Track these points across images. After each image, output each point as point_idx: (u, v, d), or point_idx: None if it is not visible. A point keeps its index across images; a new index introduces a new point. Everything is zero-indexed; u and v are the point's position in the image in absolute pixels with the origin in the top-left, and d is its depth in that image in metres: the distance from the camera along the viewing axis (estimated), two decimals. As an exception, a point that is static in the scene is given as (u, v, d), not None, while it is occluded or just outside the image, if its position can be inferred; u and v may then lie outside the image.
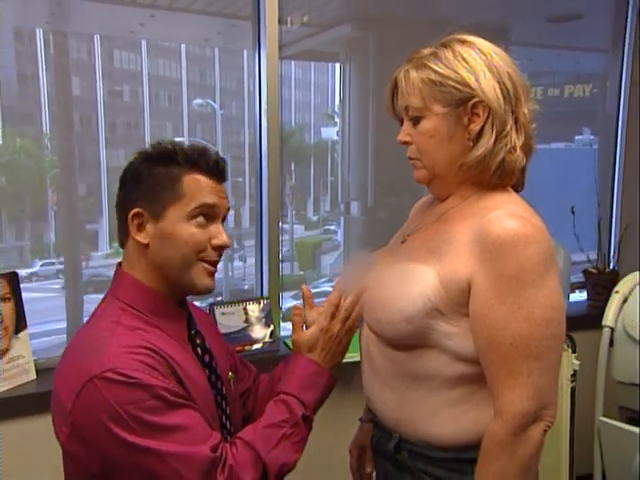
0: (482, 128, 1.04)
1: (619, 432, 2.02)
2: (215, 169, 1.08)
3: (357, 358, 1.22)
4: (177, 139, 1.15)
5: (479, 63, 1.04)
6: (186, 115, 2.14)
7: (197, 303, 1.35)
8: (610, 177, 2.73)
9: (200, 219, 1.06)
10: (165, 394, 0.96)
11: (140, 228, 1.06)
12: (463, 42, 1.07)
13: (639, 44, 2.60)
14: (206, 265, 1.08)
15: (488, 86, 1.03)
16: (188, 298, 1.18)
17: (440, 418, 1.06)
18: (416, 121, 1.08)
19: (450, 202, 1.13)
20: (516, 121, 1.06)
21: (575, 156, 2.89)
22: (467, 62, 1.04)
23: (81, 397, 0.95)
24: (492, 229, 0.98)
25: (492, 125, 1.04)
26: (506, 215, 1.00)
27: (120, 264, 1.12)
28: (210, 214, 1.07)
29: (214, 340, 1.22)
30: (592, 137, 2.85)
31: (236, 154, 2.29)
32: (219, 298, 2.15)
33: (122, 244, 1.12)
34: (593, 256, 2.61)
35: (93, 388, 0.94)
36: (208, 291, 1.10)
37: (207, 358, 1.14)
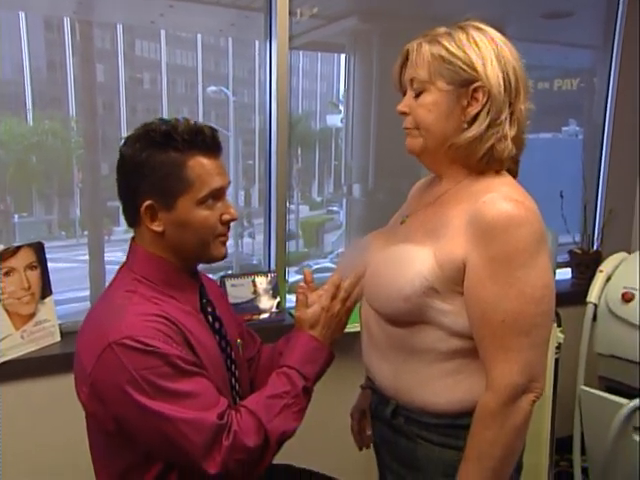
0: (478, 113, 1.00)
1: (598, 400, 2.01)
2: (212, 145, 1.04)
3: (358, 328, 1.20)
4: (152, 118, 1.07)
5: (489, 50, 1.00)
6: (201, 101, 2.09)
7: (210, 275, 1.33)
8: (596, 165, 2.69)
9: (209, 202, 1.04)
10: (178, 362, 0.95)
11: (153, 218, 1.04)
12: (478, 29, 1.02)
13: (628, 41, 2.53)
14: (221, 238, 1.08)
15: (493, 73, 0.99)
16: (201, 268, 1.16)
17: (435, 387, 1.04)
18: (418, 94, 1.04)
19: (445, 185, 1.09)
20: (511, 113, 1.02)
21: (562, 145, 2.85)
22: (478, 47, 0.99)
23: (100, 361, 0.94)
24: (486, 211, 0.94)
25: (488, 111, 1.00)
26: (500, 198, 0.96)
27: (134, 238, 1.10)
28: (218, 195, 1.05)
29: (224, 309, 1.20)
30: (577, 128, 2.80)
31: (247, 139, 2.25)
32: (229, 271, 2.12)
33: (131, 224, 1.09)
34: (578, 238, 2.59)
35: (112, 353, 0.93)
36: (223, 258, 1.10)
37: (217, 325, 1.13)
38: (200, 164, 1.02)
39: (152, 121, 1.05)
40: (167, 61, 1.98)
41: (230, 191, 2.57)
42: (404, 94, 1.08)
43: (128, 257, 1.10)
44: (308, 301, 1.16)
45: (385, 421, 1.13)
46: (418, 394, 1.06)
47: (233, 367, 1.15)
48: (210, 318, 1.12)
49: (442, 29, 1.04)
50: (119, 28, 1.87)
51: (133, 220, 1.07)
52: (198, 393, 0.96)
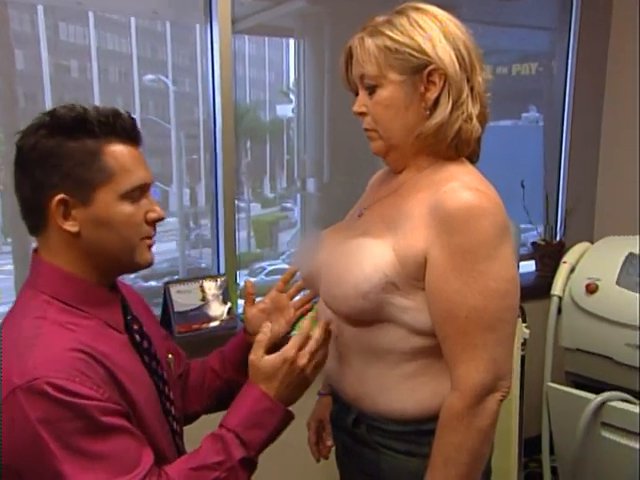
0: (438, 97, 1.01)
1: (565, 396, 2.07)
2: (133, 133, 0.96)
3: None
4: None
5: (435, 30, 1.00)
6: (137, 91, 2.03)
7: (153, 283, 1.27)
8: (557, 153, 2.76)
9: (134, 196, 0.96)
10: (95, 414, 0.84)
11: (66, 216, 0.92)
12: (418, 9, 1.02)
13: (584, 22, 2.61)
14: (147, 241, 0.99)
15: (444, 53, 0.99)
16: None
17: (398, 392, 1.04)
18: (372, 90, 1.03)
19: (405, 174, 1.09)
20: (472, 89, 1.03)
21: (522, 133, 2.92)
22: (422, 29, 1.00)
23: (3, 410, 0.82)
24: (447, 202, 0.95)
25: (448, 93, 1.00)
26: (461, 187, 0.97)
27: (36, 251, 0.98)
28: (143, 190, 0.98)
29: (150, 322, 1.12)
30: (538, 114, 2.87)
31: (190, 132, 2.20)
32: (175, 277, 2.08)
33: (34, 231, 0.97)
34: (541, 229, 2.65)
35: (14, 401, 0.81)
36: (149, 265, 1.01)
37: (146, 344, 1.04)
38: (120, 153, 0.94)
39: (54, 108, 0.93)
40: (97, 47, 1.91)
41: (174, 189, 2.48)
42: (356, 93, 1.08)
43: (31, 273, 0.97)
44: (246, 316, 1.11)
45: (347, 430, 1.12)
46: (381, 400, 1.05)
47: (166, 389, 1.07)
48: (137, 337, 1.02)
49: (381, 18, 1.04)
50: (39, 9, 1.79)
51: (37, 224, 0.95)
52: (114, 455, 0.84)
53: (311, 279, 1.17)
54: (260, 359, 0.99)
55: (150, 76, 2.08)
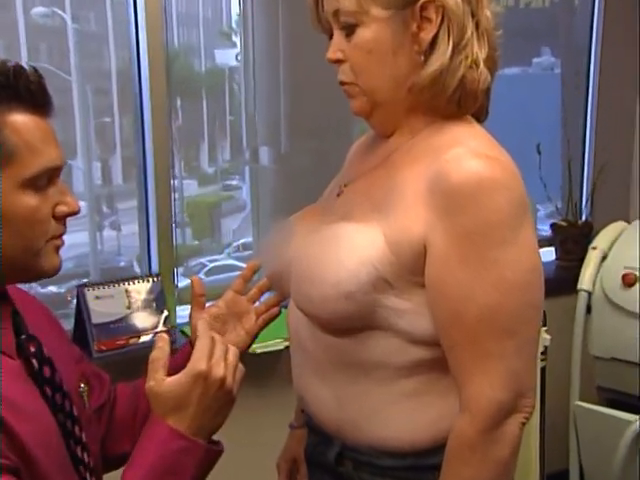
0: (435, 37, 1.02)
1: (599, 418, 2.12)
2: (42, 98, 0.95)
3: (282, 345, 1.21)
4: None
5: None
6: (23, 29, 1.99)
7: (53, 288, 1.25)
8: (581, 108, 2.79)
9: (41, 184, 0.95)
10: None
11: None
12: None
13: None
14: (55, 242, 0.99)
15: None
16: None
17: (392, 416, 1.07)
18: (350, 31, 1.05)
19: (396, 139, 1.11)
20: (477, 27, 1.04)
21: (533, 83, 2.95)
22: None
23: None
24: (451, 173, 0.97)
25: (448, 32, 1.02)
26: (468, 154, 0.99)
27: None
28: (53, 176, 0.97)
29: (54, 340, 1.10)
30: (553, 59, 2.92)
31: (100, 86, 2.19)
32: (85, 280, 2.06)
33: None
34: (562, 206, 2.69)
35: None
36: (56, 272, 1.01)
37: (47, 371, 1.03)
38: (26, 125, 0.93)
39: None
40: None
41: (79, 163, 2.45)
42: (329, 35, 1.09)
43: None
44: (197, 328, 1.06)
45: (327, 468, 1.14)
46: (371, 427, 1.08)
47: (76, 429, 1.06)
48: (35, 362, 1.00)
49: None
50: None
51: None
52: None
53: (279, 277, 1.18)
54: (161, 384, 0.94)
55: (41, 9, 2.05)
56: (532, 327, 1.03)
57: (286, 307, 1.21)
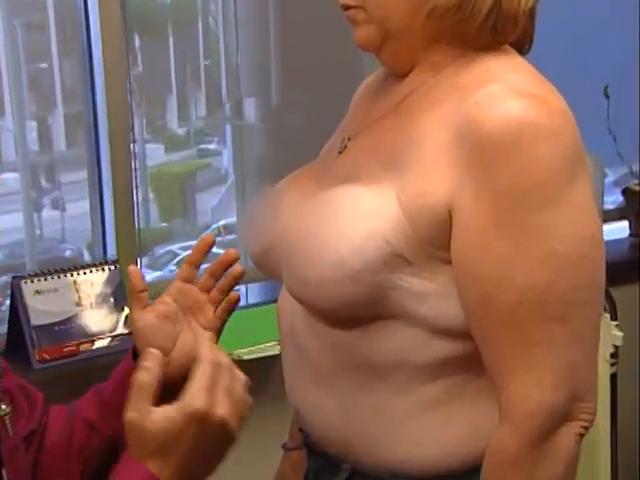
0: None
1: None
2: None
3: (275, 350, 1.22)
4: None
5: None
6: None
7: None
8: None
9: None
10: None
11: None
12: None
13: None
14: None
15: None
16: None
17: (414, 430, 1.08)
18: None
19: (414, 78, 1.12)
20: None
21: (601, 1, 2.86)
22: None
23: None
24: (483, 118, 0.98)
25: None
26: (505, 93, 1.00)
27: None
28: None
29: None
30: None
31: (31, 20, 2.19)
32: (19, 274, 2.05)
33: None
34: (637, 166, 2.70)
35: None
36: None
37: None
38: None
39: None
40: None
41: (7, 124, 2.46)
42: None
43: None
44: (137, 324, 1.11)
45: (333, 501, 1.16)
46: (387, 445, 1.09)
47: None
48: None
49: None
50: None
51: None
52: None
53: (265, 257, 1.20)
54: (146, 418, 0.91)
55: None
56: (591, 311, 1.03)
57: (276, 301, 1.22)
